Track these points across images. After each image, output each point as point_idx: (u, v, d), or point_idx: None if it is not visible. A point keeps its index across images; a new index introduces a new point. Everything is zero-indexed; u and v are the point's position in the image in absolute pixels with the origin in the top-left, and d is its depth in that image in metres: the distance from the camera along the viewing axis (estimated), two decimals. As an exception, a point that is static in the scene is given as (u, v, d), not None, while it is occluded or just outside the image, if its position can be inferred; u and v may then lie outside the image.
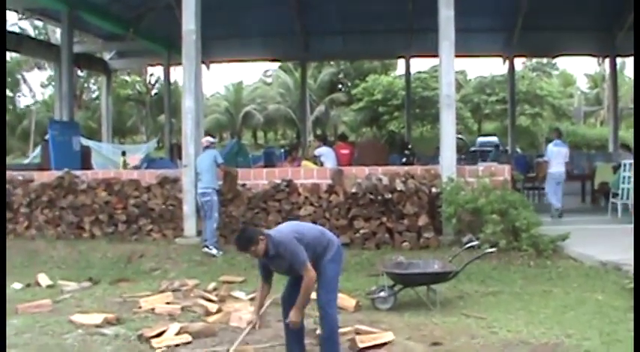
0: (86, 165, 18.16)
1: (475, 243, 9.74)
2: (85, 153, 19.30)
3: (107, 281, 10.71)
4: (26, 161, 27.05)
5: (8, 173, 14.36)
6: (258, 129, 58.05)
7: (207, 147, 12.47)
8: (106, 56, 27.56)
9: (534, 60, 52.90)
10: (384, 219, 11.76)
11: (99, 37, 25.37)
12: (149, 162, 17.55)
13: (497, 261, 10.52)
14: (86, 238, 13.32)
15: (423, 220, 11.63)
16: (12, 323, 8.10)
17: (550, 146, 14.47)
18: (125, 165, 18.35)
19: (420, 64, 65.46)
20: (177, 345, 6.99)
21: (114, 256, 12.30)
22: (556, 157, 14.19)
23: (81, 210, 13.42)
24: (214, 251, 11.86)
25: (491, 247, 9.78)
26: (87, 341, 7.30)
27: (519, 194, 12.50)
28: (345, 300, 8.42)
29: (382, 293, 8.49)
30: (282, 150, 16.73)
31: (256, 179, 13.01)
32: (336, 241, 6.19)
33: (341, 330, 6.97)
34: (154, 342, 6.98)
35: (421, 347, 6.65)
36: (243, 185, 12.84)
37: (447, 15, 12.19)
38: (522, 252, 10.72)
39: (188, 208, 12.76)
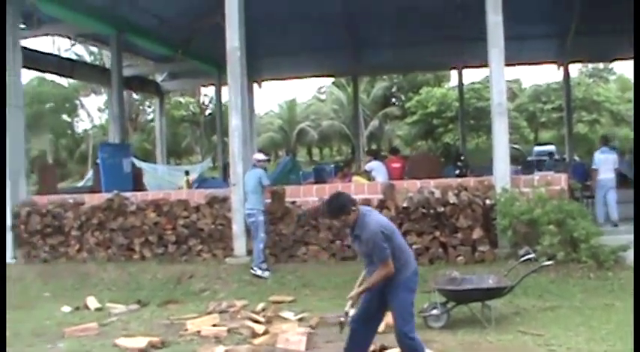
0: (138, 186, 18.20)
1: (532, 255, 9.37)
2: (137, 174, 19.39)
3: (156, 303, 10.68)
4: (80, 184, 27.37)
5: (60, 197, 14.47)
6: (313, 145, 58.03)
7: (254, 166, 12.31)
8: (158, 78, 27.83)
9: (590, 65, 51.76)
10: (437, 233, 11.50)
11: (150, 59, 25.57)
12: (201, 182, 17.53)
13: (555, 274, 10.16)
14: (136, 260, 13.27)
15: (477, 233, 11.31)
16: (58, 346, 8.06)
17: (597, 154, 13.98)
18: (189, 184, 18.36)
19: (473, 75, 64.94)
20: None
21: (163, 277, 12.27)
22: (604, 164, 13.72)
23: (131, 231, 13.39)
24: (260, 272, 11.67)
25: (549, 259, 9.42)
26: (130, 366, 7.15)
27: (577, 203, 12.01)
28: (395, 318, 8.11)
29: (434, 311, 8.24)
30: (333, 166, 16.50)
31: (306, 196, 12.83)
32: (414, 264, 5.95)
33: (391, 351, 6.74)
34: None
35: None
36: (293, 202, 12.68)
37: (494, 21, 11.85)
38: (582, 264, 10.31)
39: (237, 227, 12.63)
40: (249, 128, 25.21)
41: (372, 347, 6.90)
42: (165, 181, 21.38)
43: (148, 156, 34.55)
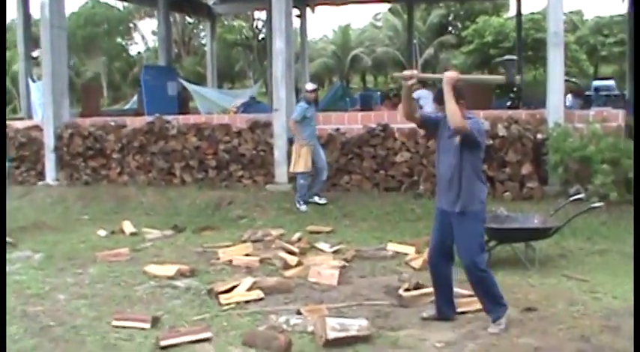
0: (184, 109, 18.00)
1: (582, 195, 8.90)
2: (184, 98, 19.13)
3: (191, 230, 10.49)
4: (126, 107, 27.27)
5: (102, 119, 14.36)
6: (367, 72, 57.24)
7: (303, 97, 11.92)
8: (210, 1, 27.28)
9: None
10: (485, 166, 10.87)
11: (201, -19, 25.07)
12: (246, 106, 17.13)
13: (606, 216, 9.62)
14: (177, 184, 13.20)
15: (526, 169, 10.92)
16: (88, 272, 7.93)
17: None
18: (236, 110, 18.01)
19: (532, 4, 62.73)
20: (247, 302, 6.53)
21: (202, 203, 12.17)
22: None
23: (171, 155, 13.29)
24: (301, 206, 11.37)
25: (600, 200, 8.92)
26: (156, 293, 6.95)
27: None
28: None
29: None
30: (380, 93, 15.96)
31: (350, 123, 12.53)
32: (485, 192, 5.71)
33: (425, 290, 6.40)
34: (222, 298, 6.53)
35: (513, 312, 5.90)
36: (337, 129, 12.41)
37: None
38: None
39: (279, 154, 12.46)
40: (302, 53, 24.85)
41: (404, 285, 6.63)
42: (214, 105, 21.05)
43: (201, 80, 34.32)
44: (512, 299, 6.27)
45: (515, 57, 16.53)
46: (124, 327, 5.74)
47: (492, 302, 5.59)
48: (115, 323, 5.83)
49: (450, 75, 5.42)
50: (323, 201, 11.52)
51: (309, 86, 12.12)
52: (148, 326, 5.74)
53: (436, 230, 5.74)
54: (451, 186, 5.53)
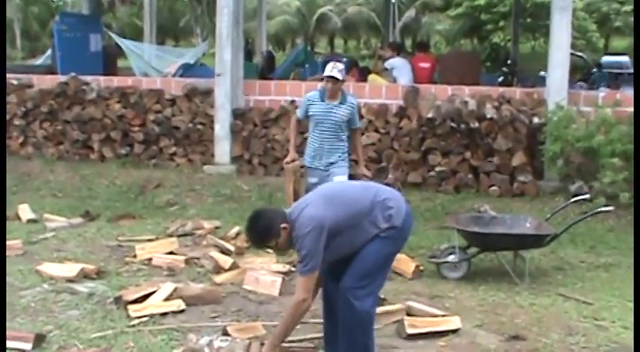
0: (111, 70, 17.42)
1: (586, 195, 8.71)
2: (111, 54, 18.57)
3: (107, 218, 10.23)
4: (38, 62, 26.55)
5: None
6: (336, 35, 57.23)
7: None
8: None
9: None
10: (468, 154, 11.12)
11: None
12: (185, 69, 16.68)
13: (614, 221, 9.61)
14: (94, 160, 13.00)
15: (518, 159, 10.85)
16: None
17: None
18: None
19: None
20: (164, 315, 6.15)
21: (124, 185, 12.00)
22: None
23: (89, 125, 13.01)
24: None
25: (608, 202, 8.84)
26: (48, 301, 6.51)
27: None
28: (400, 262, 7.58)
29: (451, 257, 7.68)
30: (345, 60, 15.61)
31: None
32: (399, 208, 4.98)
33: (387, 308, 6.21)
34: (132, 309, 6.15)
35: (495, 340, 5.68)
36: (292, 102, 12.18)
37: None
38: (652, 211, 9.66)
39: (220, 128, 12.28)
40: (260, 8, 24.43)
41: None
42: (152, 67, 20.53)
43: (138, 35, 33.69)
44: (496, 322, 6.12)
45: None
46: (-4, 348, 5.32)
47: None
48: (-16, 342, 5.40)
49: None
50: None
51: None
52: (28, 347, 5.32)
53: None
54: None
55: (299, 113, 8.40)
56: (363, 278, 4.86)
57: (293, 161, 8.50)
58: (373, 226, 4.85)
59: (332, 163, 8.14)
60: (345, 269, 4.89)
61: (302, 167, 8.54)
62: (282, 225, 4.80)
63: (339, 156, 8.20)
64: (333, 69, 7.88)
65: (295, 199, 7.42)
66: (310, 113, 8.17)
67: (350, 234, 4.83)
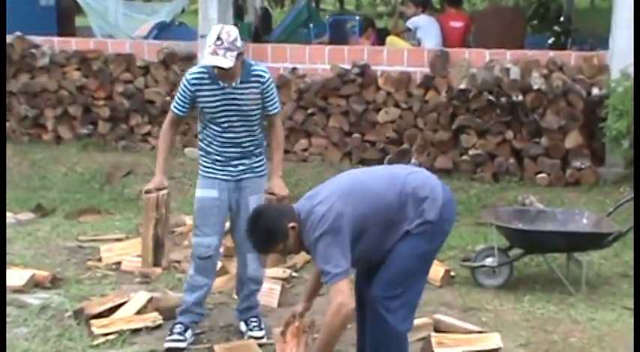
0: (67, 29, 17.48)
1: None
2: (67, 10, 18.59)
3: (64, 213, 10.37)
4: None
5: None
6: (346, -12, 57.42)
7: None
8: None
9: None
10: (510, 134, 11.07)
11: None
12: (161, 29, 16.73)
13: None
14: (48, 142, 13.11)
15: (573, 140, 10.80)
16: None
17: None
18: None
19: None
20: (135, 331, 6.29)
21: (86, 172, 12.14)
22: None
23: (40, 98, 13.08)
24: None
25: None
26: (-9, 315, 6.63)
27: None
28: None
29: (489, 261, 7.71)
30: (358, 19, 15.58)
31: (314, 62, 12.43)
32: (434, 198, 4.99)
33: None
34: (96, 325, 6.30)
35: None
36: (294, 69, 12.34)
37: None
38: None
39: None
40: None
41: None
42: (117, 28, 20.58)
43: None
44: (545, 342, 6.21)
45: None
46: None
47: None
48: None
49: None
50: None
51: None
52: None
53: None
54: None
55: (177, 107, 6.29)
56: (396, 285, 4.92)
57: (158, 189, 6.71)
58: (404, 223, 4.89)
59: (242, 172, 6.33)
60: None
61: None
62: (290, 225, 4.84)
63: (254, 162, 6.39)
64: (218, 49, 5.76)
65: (157, 251, 6.43)
66: (199, 104, 6.22)
67: (376, 235, 4.88)
